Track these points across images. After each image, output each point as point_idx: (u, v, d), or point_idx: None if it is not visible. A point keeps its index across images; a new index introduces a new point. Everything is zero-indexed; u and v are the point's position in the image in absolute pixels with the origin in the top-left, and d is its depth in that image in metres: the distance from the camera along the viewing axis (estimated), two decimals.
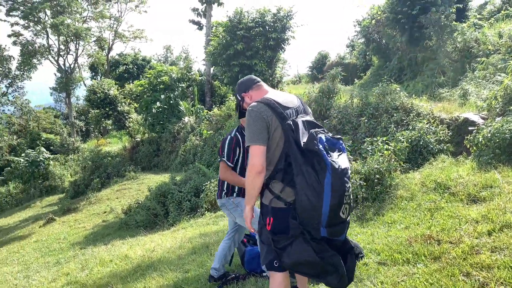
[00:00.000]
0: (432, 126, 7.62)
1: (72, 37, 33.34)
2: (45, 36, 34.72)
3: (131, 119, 22.11)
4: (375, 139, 6.68)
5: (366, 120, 8.84)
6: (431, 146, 7.09)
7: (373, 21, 18.94)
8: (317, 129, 2.45)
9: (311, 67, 36.00)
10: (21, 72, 39.11)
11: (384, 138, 6.62)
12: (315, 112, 10.43)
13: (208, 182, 9.77)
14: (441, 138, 7.36)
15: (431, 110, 8.36)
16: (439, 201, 4.98)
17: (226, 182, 3.72)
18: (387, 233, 4.51)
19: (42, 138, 32.13)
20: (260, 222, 2.64)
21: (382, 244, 4.15)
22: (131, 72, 37.57)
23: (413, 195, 5.46)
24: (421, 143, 7.12)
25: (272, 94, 2.66)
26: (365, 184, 5.82)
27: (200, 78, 20.13)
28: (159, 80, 19.43)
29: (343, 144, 2.51)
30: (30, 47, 34.56)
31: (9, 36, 34.79)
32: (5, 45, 38.85)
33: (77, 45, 36.02)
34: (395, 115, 8.46)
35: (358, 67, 23.57)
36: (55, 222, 12.57)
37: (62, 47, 35.52)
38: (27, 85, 40.63)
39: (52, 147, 30.15)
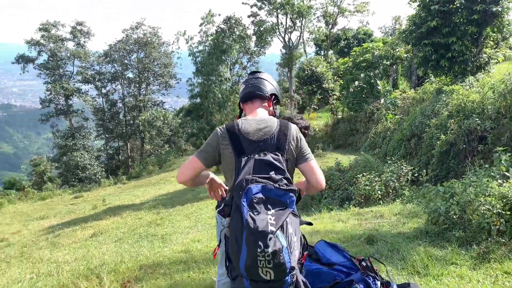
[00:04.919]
0: None
1: (296, 15, 35.57)
2: (276, 15, 38.16)
3: (335, 96, 22.48)
4: None
5: None
6: None
7: None
8: (255, 176, 2.12)
9: None
10: (258, 48, 44.48)
11: None
12: (510, 106, 8.40)
13: (367, 172, 9.31)
14: None
15: None
16: None
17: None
18: (482, 285, 3.48)
19: None
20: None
21: None
22: (351, 47, 37.56)
23: None
24: None
25: (251, 117, 2.47)
26: (508, 213, 4.53)
27: (405, 55, 18.60)
28: (361, 58, 18.96)
29: (293, 197, 2.12)
30: (263, 26, 38.61)
31: (248, 16, 39.74)
32: (247, 25, 44.42)
33: (302, 22, 38.21)
34: None
35: None
36: None
37: (290, 24, 38.35)
38: (261, 60, 46.03)
39: None
